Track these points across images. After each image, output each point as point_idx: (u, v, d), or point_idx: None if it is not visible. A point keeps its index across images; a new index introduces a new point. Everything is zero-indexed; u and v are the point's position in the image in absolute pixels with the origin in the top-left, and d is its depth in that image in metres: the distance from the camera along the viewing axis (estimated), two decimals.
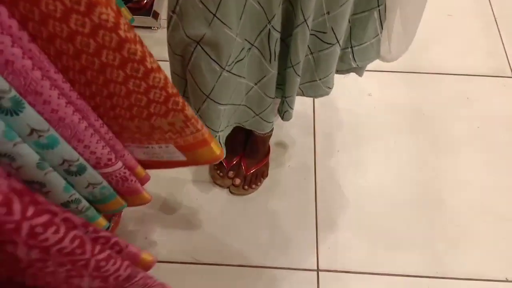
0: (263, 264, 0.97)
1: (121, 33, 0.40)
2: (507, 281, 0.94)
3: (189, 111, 0.52)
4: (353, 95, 1.23)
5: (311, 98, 1.22)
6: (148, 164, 0.66)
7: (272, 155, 1.11)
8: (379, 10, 0.65)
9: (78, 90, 0.49)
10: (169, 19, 0.60)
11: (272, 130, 1.06)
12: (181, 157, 0.61)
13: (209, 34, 0.58)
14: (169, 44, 0.65)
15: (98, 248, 0.41)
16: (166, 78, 0.48)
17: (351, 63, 0.74)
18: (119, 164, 0.57)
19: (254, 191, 1.07)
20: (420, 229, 1.01)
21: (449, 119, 1.18)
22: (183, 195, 1.06)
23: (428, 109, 1.20)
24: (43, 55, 0.43)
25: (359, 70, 0.78)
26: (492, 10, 1.39)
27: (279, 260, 0.98)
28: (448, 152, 1.12)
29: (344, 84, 1.23)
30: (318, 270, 0.96)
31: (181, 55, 0.64)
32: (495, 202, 1.04)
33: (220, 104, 0.69)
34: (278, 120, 1.04)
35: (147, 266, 0.56)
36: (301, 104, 1.17)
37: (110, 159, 0.55)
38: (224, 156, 0.85)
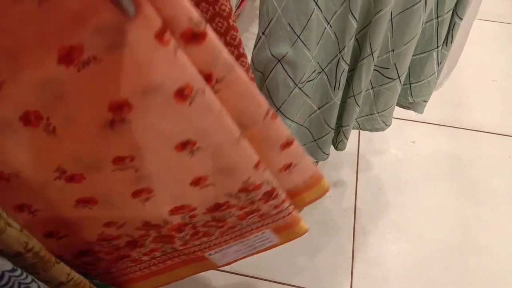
0: (297, 284, 1.01)
1: (231, 22, 0.51)
2: None
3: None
4: (397, 141, 1.30)
5: (357, 138, 1.30)
6: None
7: None
8: (437, 50, 0.74)
9: None
10: (258, 39, 0.71)
11: (318, 162, 1.14)
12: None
13: (290, 53, 0.68)
14: (253, 62, 0.75)
15: None
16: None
17: (408, 98, 0.83)
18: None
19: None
20: (456, 272, 1.02)
21: (489, 173, 1.22)
22: None
23: (469, 161, 1.25)
24: None
25: (419, 107, 0.86)
26: None
27: (313, 282, 1.01)
28: (487, 203, 1.15)
29: (389, 130, 1.31)
30: None
31: (262, 71, 0.74)
32: None
33: (287, 118, 0.78)
34: None
35: None
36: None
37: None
38: None
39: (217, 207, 0.51)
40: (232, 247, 0.62)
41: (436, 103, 1.37)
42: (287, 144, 0.50)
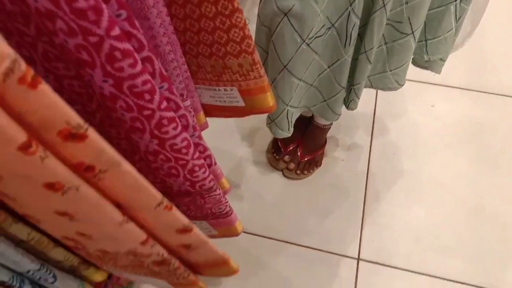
0: (305, 244, 1.02)
1: None
2: None
3: (257, 56, 0.59)
4: (416, 104, 1.25)
5: (374, 100, 1.26)
6: (209, 111, 0.74)
7: (328, 147, 1.16)
8: (455, 4, 0.69)
9: (174, 24, 0.57)
10: None
11: (331, 124, 1.12)
12: (240, 102, 0.67)
13: (297, 6, 0.65)
14: (259, 16, 0.73)
15: (197, 154, 0.48)
16: (245, 21, 0.55)
17: (423, 56, 0.79)
18: (188, 102, 0.63)
19: (306, 177, 1.12)
20: (470, 238, 1.01)
21: (511, 139, 1.17)
22: (241, 172, 1.14)
23: (490, 127, 1.20)
24: None
25: (436, 67, 0.82)
26: None
27: (322, 243, 1.01)
28: (506, 170, 1.11)
29: (408, 93, 1.27)
30: (358, 259, 0.99)
31: (268, 26, 0.72)
32: None
33: (294, 76, 0.76)
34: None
35: (223, 191, 0.63)
36: (362, 104, 1.22)
37: (182, 94, 0.61)
38: (290, 134, 0.91)
39: (105, 254, 0.51)
40: (129, 275, 0.64)
41: (459, 66, 1.31)
42: (184, 230, 0.49)
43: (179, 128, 0.44)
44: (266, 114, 0.94)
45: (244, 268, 1.00)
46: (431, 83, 1.29)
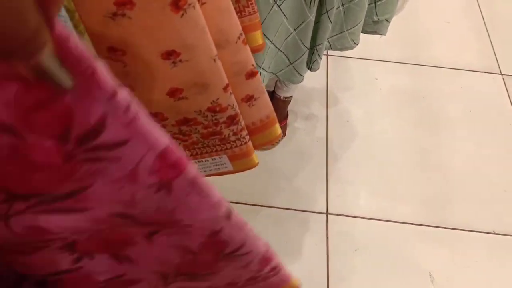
0: (277, 205, 1.08)
1: None
2: (494, 233, 1.07)
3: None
4: (362, 78, 1.39)
5: (325, 77, 1.37)
6: None
7: (289, 119, 1.25)
8: None
9: None
10: None
11: (291, 97, 1.21)
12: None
13: None
14: None
15: None
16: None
17: (373, 17, 0.90)
18: None
19: (273, 147, 1.20)
20: (420, 186, 1.14)
21: (445, 102, 1.34)
22: None
23: (427, 94, 1.36)
24: None
25: (382, 28, 0.93)
26: (483, 18, 1.59)
27: (293, 203, 1.09)
28: (445, 128, 1.27)
29: (355, 69, 1.40)
30: (327, 213, 1.08)
31: None
32: (485, 169, 1.18)
33: (266, 37, 0.83)
34: (295, 92, 1.19)
35: None
36: (315, 80, 1.34)
37: None
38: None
39: (185, 121, 0.56)
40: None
41: (395, 43, 1.47)
42: (252, 74, 0.55)
43: None
44: None
45: None
46: (373, 59, 1.43)
